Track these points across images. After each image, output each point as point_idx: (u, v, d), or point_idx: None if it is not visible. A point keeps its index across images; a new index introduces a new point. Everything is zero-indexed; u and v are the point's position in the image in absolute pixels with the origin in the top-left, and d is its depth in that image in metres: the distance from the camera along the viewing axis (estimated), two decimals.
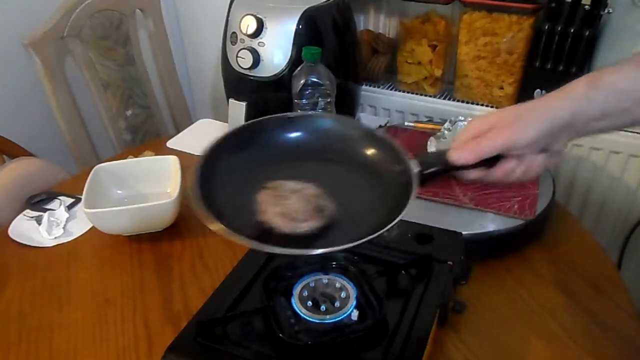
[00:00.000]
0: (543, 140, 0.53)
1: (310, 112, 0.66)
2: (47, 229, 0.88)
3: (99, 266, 0.82)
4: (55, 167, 1.06)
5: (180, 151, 1.11)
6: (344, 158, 0.60)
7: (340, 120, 0.66)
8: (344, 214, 0.54)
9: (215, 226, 0.48)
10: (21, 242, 0.86)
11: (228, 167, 0.57)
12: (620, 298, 0.73)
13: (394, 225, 0.48)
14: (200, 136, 1.19)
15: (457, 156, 0.54)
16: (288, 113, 0.64)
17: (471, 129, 0.55)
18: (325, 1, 0.96)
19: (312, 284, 0.61)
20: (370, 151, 0.61)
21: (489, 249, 0.79)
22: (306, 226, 0.51)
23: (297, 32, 0.92)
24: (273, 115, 0.62)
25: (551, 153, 0.55)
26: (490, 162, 0.54)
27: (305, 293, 0.60)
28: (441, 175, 0.56)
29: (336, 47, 0.98)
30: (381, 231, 0.48)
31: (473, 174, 0.56)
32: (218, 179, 0.56)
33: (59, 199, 0.96)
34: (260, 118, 0.62)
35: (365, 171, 0.59)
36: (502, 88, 1.18)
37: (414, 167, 0.54)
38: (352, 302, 0.58)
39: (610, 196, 1.17)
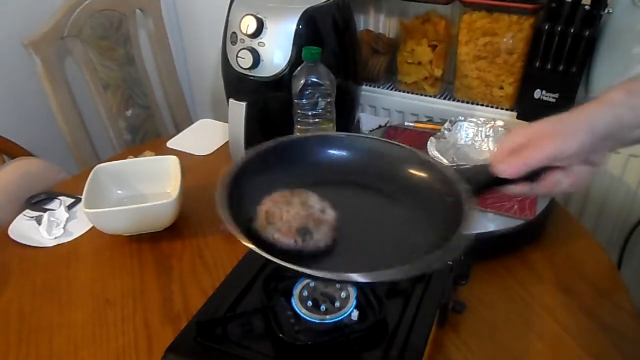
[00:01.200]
0: (586, 151, 0.51)
1: (349, 134, 0.64)
2: (47, 229, 0.88)
3: (99, 266, 0.82)
4: (55, 167, 1.06)
5: (180, 151, 1.11)
6: (384, 182, 0.58)
7: (380, 140, 0.63)
8: (365, 243, 0.52)
9: (249, 244, 0.46)
10: (21, 242, 0.86)
11: (258, 185, 0.55)
12: (620, 298, 0.73)
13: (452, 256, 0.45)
14: (200, 136, 1.19)
15: (504, 169, 0.52)
16: (328, 132, 0.60)
17: (510, 141, 0.54)
18: (325, 1, 0.96)
19: (312, 284, 0.61)
20: (412, 172, 0.58)
21: (489, 249, 0.79)
22: (278, 237, 0.50)
23: (297, 32, 0.91)
24: (312, 134, 0.59)
25: (593, 163, 0.54)
26: (535, 175, 0.53)
27: (305, 293, 0.60)
28: (488, 190, 0.54)
29: (336, 47, 0.98)
30: (436, 261, 0.45)
31: (519, 188, 0.54)
32: (248, 194, 0.54)
33: (59, 199, 0.96)
34: (299, 135, 0.59)
35: (407, 195, 0.57)
36: (502, 88, 1.18)
37: (463, 186, 0.52)
38: (352, 302, 0.58)
39: (610, 196, 1.17)
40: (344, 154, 0.61)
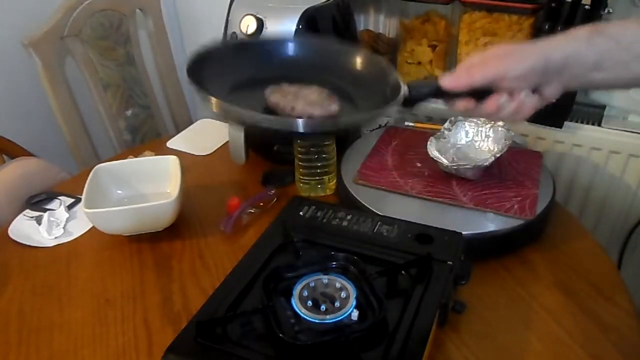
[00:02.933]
0: (535, 77, 0.52)
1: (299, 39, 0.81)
2: (47, 229, 0.88)
3: (99, 266, 0.82)
4: (55, 167, 1.06)
5: (180, 151, 1.11)
6: (331, 74, 0.66)
7: (325, 40, 0.73)
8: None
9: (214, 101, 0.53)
10: (21, 242, 0.86)
11: (222, 62, 0.63)
12: (620, 298, 0.73)
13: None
14: (200, 136, 1.19)
15: (448, 81, 0.55)
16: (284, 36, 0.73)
17: (466, 60, 0.56)
18: (325, 1, 0.95)
19: (312, 284, 0.61)
20: (359, 66, 0.67)
21: (489, 249, 0.79)
22: (334, 108, 0.58)
23: (297, 32, 0.91)
24: (268, 38, 0.74)
25: (542, 97, 0.55)
26: (481, 94, 0.55)
27: (305, 293, 0.60)
28: (429, 97, 0.58)
29: None
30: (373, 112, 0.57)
31: (462, 104, 0.56)
32: (211, 70, 0.61)
33: (59, 199, 0.96)
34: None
35: (354, 83, 0.65)
36: None
37: (403, 84, 0.58)
38: (352, 302, 0.58)
39: (610, 196, 1.17)
40: (297, 54, 0.69)
